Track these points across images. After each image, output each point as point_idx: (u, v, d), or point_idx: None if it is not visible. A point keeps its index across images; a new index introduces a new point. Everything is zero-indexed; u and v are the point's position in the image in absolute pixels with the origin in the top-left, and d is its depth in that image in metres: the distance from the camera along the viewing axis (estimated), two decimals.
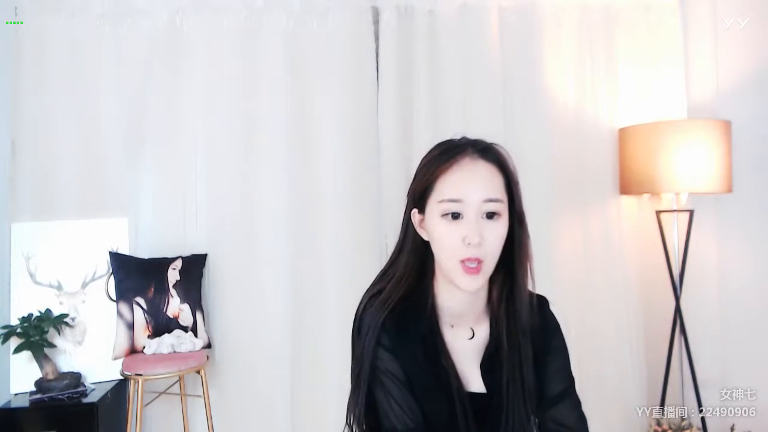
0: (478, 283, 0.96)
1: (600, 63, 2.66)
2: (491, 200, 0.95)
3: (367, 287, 1.09)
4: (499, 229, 0.96)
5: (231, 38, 2.49)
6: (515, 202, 0.99)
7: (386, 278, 1.06)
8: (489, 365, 1.03)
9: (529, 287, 1.05)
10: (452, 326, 1.05)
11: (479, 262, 0.94)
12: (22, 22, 2.40)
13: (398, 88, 2.56)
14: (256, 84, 2.51)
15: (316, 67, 2.53)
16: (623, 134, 2.55)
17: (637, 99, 2.69)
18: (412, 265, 1.04)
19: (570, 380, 1.08)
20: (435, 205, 0.97)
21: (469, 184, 0.95)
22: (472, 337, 1.05)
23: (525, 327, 1.03)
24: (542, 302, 1.10)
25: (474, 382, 1.03)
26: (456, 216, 0.95)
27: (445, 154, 0.98)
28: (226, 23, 2.49)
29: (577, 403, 1.07)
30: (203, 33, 2.48)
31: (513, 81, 2.63)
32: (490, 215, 0.95)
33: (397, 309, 1.02)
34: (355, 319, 1.07)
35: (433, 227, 0.98)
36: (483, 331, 1.06)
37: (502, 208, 0.96)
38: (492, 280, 1.02)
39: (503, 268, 1.01)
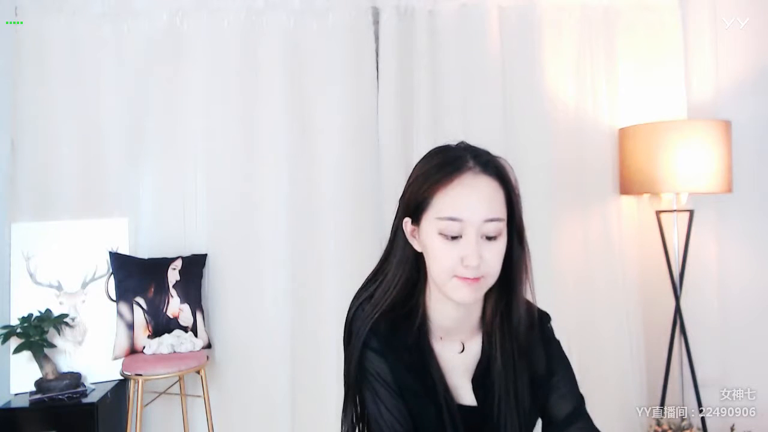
0: (474, 296, 0.92)
1: (600, 63, 2.66)
2: (492, 220, 0.90)
3: (356, 292, 1.06)
4: (499, 247, 0.92)
5: (231, 38, 2.49)
6: (515, 217, 0.95)
7: (375, 283, 1.03)
8: (481, 380, 1.00)
9: (529, 300, 1.02)
10: (441, 338, 1.01)
11: (477, 280, 0.91)
12: (22, 22, 2.40)
13: (398, 88, 2.56)
14: (256, 84, 2.51)
15: (316, 67, 2.53)
16: (623, 134, 2.55)
17: (637, 99, 2.69)
18: (400, 276, 1.00)
19: (579, 399, 1.04)
20: (432, 220, 0.92)
21: (470, 203, 0.90)
22: (462, 351, 1.02)
23: (522, 344, 1.00)
24: (543, 318, 1.05)
25: (464, 395, 1.01)
26: (454, 236, 0.90)
27: (445, 168, 0.92)
28: (226, 23, 2.48)
29: (588, 423, 1.03)
30: (203, 33, 2.48)
31: (513, 81, 2.63)
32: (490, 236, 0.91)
33: (387, 316, 0.99)
34: (345, 325, 1.04)
35: (429, 243, 0.93)
36: (475, 345, 1.02)
37: (503, 226, 0.92)
38: (486, 295, 0.98)
39: (500, 283, 0.96)
